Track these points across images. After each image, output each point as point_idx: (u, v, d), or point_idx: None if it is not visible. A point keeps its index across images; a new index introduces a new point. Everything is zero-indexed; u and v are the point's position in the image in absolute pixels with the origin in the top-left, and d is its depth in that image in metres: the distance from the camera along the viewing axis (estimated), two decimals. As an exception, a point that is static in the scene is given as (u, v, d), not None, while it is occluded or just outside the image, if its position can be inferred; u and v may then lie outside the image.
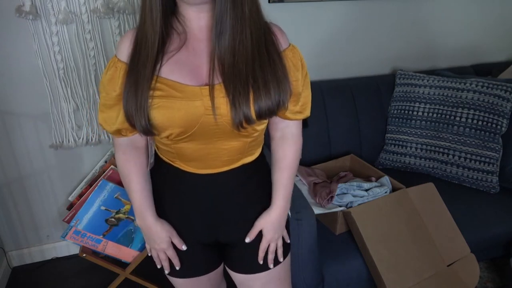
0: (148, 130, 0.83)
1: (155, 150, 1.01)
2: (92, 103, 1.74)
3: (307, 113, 0.96)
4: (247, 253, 1.01)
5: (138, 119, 0.81)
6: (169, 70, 0.83)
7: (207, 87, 0.81)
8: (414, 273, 1.43)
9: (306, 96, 0.94)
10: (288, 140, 0.98)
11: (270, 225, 0.98)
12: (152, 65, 0.81)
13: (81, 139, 1.79)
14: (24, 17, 1.50)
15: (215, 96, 0.81)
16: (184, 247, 0.99)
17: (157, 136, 0.89)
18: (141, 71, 0.81)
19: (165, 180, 0.98)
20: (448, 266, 1.50)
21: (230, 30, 0.78)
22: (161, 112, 0.81)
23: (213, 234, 1.00)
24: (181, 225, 0.99)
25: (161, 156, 0.98)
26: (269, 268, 1.02)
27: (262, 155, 1.02)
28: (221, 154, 0.90)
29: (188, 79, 0.83)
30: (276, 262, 1.03)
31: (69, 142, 1.78)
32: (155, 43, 0.81)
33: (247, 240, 0.99)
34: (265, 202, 1.01)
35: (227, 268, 1.08)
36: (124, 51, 0.85)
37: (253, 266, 1.02)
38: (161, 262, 1.01)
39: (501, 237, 1.69)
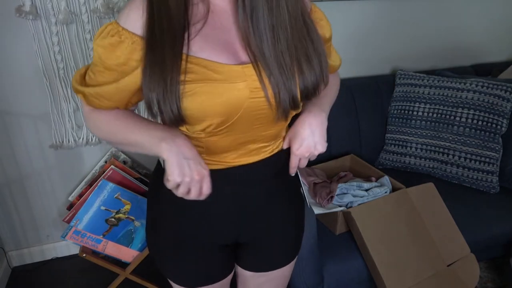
0: (181, 120, 0.69)
1: None
2: (92, 103, 1.74)
3: (338, 61, 0.92)
4: (263, 253, 0.96)
5: (169, 107, 0.66)
6: (198, 47, 0.69)
7: (249, 65, 0.70)
8: (414, 273, 1.43)
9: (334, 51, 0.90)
10: None
11: (302, 125, 0.80)
12: (181, 39, 0.67)
13: (81, 139, 1.79)
14: (24, 17, 1.50)
15: (261, 74, 0.70)
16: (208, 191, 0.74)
17: (185, 129, 0.74)
18: (168, 47, 0.66)
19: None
20: (448, 266, 1.50)
21: (263, 4, 0.68)
22: (198, 100, 0.67)
23: (235, 233, 0.89)
24: (199, 226, 0.86)
25: None
26: (281, 267, 0.98)
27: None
28: (257, 141, 0.79)
29: (224, 57, 0.70)
30: (289, 260, 0.99)
31: (69, 142, 1.78)
32: (181, 10, 0.67)
33: (284, 145, 0.84)
34: (294, 199, 0.95)
35: (237, 268, 1.02)
36: (136, 21, 0.68)
37: (266, 264, 0.98)
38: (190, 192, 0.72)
39: (501, 237, 1.69)
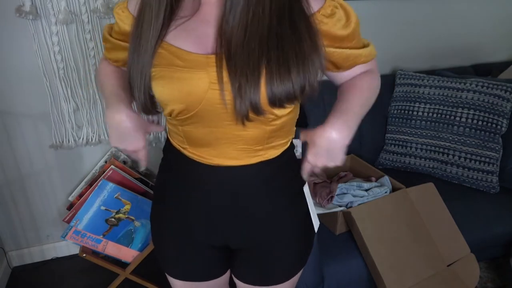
0: (148, 105, 0.75)
1: (167, 134, 0.90)
2: (92, 103, 1.74)
3: (372, 50, 0.84)
4: (257, 264, 0.91)
5: (138, 91, 0.73)
6: (174, 36, 0.73)
7: (213, 55, 0.70)
8: (414, 273, 1.43)
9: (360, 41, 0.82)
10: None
11: (323, 133, 0.73)
12: (160, 28, 0.72)
13: (81, 139, 1.79)
14: (24, 17, 1.50)
15: (223, 67, 0.68)
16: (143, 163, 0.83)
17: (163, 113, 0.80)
18: (147, 34, 0.72)
19: (174, 169, 0.87)
20: (448, 266, 1.50)
21: (243, 3, 0.66)
22: (161, 83, 0.71)
23: (223, 237, 0.88)
24: (188, 222, 0.87)
25: (171, 140, 0.86)
26: (277, 283, 0.92)
27: (290, 152, 0.87)
28: (235, 141, 0.77)
29: (192, 46, 0.72)
30: (287, 276, 0.93)
31: (69, 142, 1.78)
32: (168, 4, 0.72)
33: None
34: (293, 213, 0.88)
35: (232, 276, 0.99)
36: (132, 5, 0.78)
37: (260, 278, 0.92)
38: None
39: (501, 237, 1.69)
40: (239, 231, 0.86)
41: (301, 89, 0.70)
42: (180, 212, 0.88)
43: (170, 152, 0.87)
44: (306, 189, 0.93)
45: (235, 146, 0.77)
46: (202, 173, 0.81)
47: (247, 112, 0.69)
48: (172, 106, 0.73)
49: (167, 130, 0.88)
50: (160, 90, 0.72)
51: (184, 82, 0.70)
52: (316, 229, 0.95)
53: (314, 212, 0.94)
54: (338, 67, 0.81)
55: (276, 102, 0.69)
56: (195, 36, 0.72)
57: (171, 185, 0.89)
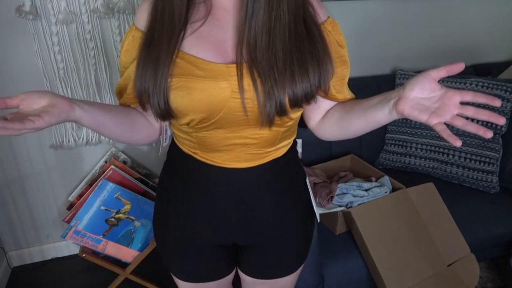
0: (167, 113, 0.73)
1: (172, 138, 0.90)
2: (92, 103, 1.74)
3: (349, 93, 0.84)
4: (264, 258, 0.94)
5: (156, 101, 0.70)
6: (190, 44, 0.72)
7: (235, 65, 0.70)
8: (414, 273, 1.43)
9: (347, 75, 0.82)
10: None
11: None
12: (177, 37, 0.70)
13: (81, 139, 1.79)
14: (24, 17, 1.50)
15: (243, 76, 0.69)
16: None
17: (175, 122, 0.79)
18: (164, 44, 0.70)
19: (182, 174, 0.86)
20: (448, 266, 1.50)
21: (265, 4, 0.67)
22: (180, 93, 0.70)
23: (232, 235, 0.89)
24: (195, 223, 0.88)
25: (180, 146, 0.85)
26: (282, 276, 0.96)
27: (293, 149, 0.90)
28: (250, 145, 0.78)
29: (211, 55, 0.71)
30: (291, 269, 0.97)
31: (69, 142, 1.78)
32: (183, 10, 0.70)
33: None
34: (297, 207, 0.91)
35: (238, 270, 1.01)
36: (141, 18, 0.74)
37: (268, 271, 0.95)
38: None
39: (501, 237, 1.69)
40: (246, 229, 0.88)
41: (317, 89, 0.73)
42: (186, 214, 0.88)
43: (176, 156, 0.87)
44: (307, 180, 0.97)
45: (248, 150, 0.79)
46: (211, 175, 0.82)
47: (274, 112, 0.70)
48: (192, 116, 0.73)
49: (173, 135, 0.88)
50: (180, 101, 0.71)
51: (206, 92, 0.70)
52: (318, 219, 1.00)
53: (315, 202, 0.98)
54: (326, 91, 0.80)
55: (298, 102, 0.71)
56: (211, 43, 0.72)
57: (177, 188, 0.88)
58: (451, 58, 2.27)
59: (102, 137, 1.82)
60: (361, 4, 1.96)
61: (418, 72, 2.03)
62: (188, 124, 0.75)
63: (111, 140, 1.82)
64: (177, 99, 0.71)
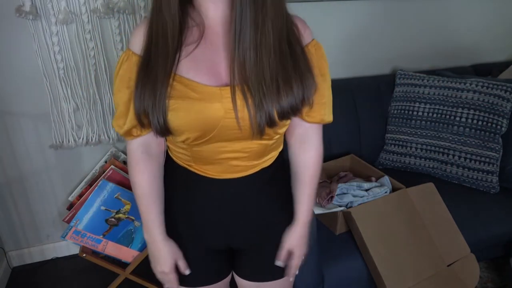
0: (166, 130, 0.77)
1: (167, 151, 0.94)
2: (92, 103, 1.74)
3: (328, 117, 0.87)
4: (258, 261, 0.98)
5: (156, 119, 0.75)
6: (185, 68, 0.76)
7: (228, 87, 0.75)
8: (414, 273, 1.43)
9: (327, 98, 0.86)
10: (307, 146, 0.90)
11: (299, 240, 0.93)
12: (173, 59, 0.75)
13: (81, 139, 1.79)
14: (24, 17, 1.50)
15: (236, 96, 0.74)
16: (187, 272, 0.92)
17: (171, 138, 0.83)
18: (161, 66, 0.74)
19: (177, 185, 0.92)
20: (448, 266, 1.50)
21: (251, 23, 0.71)
22: (178, 115, 0.75)
23: (226, 240, 0.94)
24: (193, 231, 0.93)
25: (175, 159, 0.91)
26: (278, 278, 0.98)
27: (281, 158, 0.95)
28: (240, 158, 0.84)
29: (206, 78, 0.76)
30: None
31: (69, 142, 1.78)
32: (176, 33, 0.74)
33: (279, 264, 0.94)
34: (285, 210, 0.95)
35: (234, 274, 1.04)
36: (137, 42, 0.78)
37: (263, 274, 0.99)
38: (165, 283, 0.93)
39: (501, 237, 1.69)
40: (241, 234, 0.93)
41: (302, 103, 0.78)
42: (181, 223, 0.93)
43: (171, 168, 0.92)
44: None
45: (239, 163, 0.85)
46: (206, 185, 0.88)
47: (264, 124, 0.75)
48: (187, 135, 0.78)
49: (168, 149, 0.93)
50: (177, 121, 0.76)
51: (201, 114, 0.75)
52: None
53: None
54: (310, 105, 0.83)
55: (285, 114, 0.77)
56: (205, 66, 0.77)
57: (171, 198, 0.93)
58: (451, 58, 2.27)
59: (102, 137, 1.82)
60: (361, 4, 1.96)
61: (418, 72, 2.03)
62: (184, 141, 0.81)
63: (111, 140, 1.82)
64: (174, 119, 0.76)
